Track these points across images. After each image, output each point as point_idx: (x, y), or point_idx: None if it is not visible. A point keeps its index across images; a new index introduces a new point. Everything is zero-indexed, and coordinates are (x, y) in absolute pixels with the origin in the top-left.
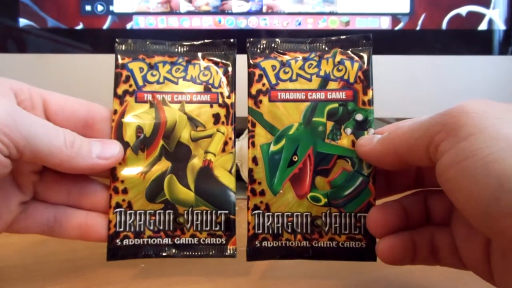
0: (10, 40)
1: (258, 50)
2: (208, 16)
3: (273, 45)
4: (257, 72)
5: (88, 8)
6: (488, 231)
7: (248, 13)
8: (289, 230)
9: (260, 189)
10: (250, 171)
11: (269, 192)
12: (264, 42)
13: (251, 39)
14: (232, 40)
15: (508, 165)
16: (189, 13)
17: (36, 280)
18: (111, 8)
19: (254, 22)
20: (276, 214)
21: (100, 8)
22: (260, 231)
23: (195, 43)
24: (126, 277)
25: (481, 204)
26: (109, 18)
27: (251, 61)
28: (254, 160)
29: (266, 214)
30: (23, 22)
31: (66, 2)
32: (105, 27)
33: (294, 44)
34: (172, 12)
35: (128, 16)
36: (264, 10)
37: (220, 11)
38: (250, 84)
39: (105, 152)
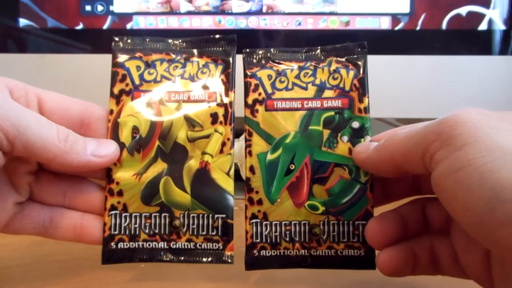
0: (10, 40)
1: (254, 60)
2: (208, 16)
3: (268, 55)
4: (253, 82)
5: (88, 8)
6: (484, 241)
7: (248, 13)
8: (287, 239)
9: (258, 198)
10: (248, 180)
11: (267, 201)
12: (260, 52)
13: (247, 50)
14: (231, 35)
15: (503, 175)
16: (189, 13)
17: (36, 280)
18: (111, 8)
19: (254, 22)
20: (274, 223)
21: (100, 8)
22: (258, 240)
23: (193, 39)
24: (125, 278)
25: (476, 214)
26: (109, 18)
27: (247, 71)
28: (251, 169)
29: (264, 223)
30: (23, 22)
31: (66, 2)
32: (105, 27)
33: (289, 54)
34: (172, 12)
35: (128, 16)
36: (264, 10)
37: (220, 11)
38: (246, 94)
39: (100, 150)
